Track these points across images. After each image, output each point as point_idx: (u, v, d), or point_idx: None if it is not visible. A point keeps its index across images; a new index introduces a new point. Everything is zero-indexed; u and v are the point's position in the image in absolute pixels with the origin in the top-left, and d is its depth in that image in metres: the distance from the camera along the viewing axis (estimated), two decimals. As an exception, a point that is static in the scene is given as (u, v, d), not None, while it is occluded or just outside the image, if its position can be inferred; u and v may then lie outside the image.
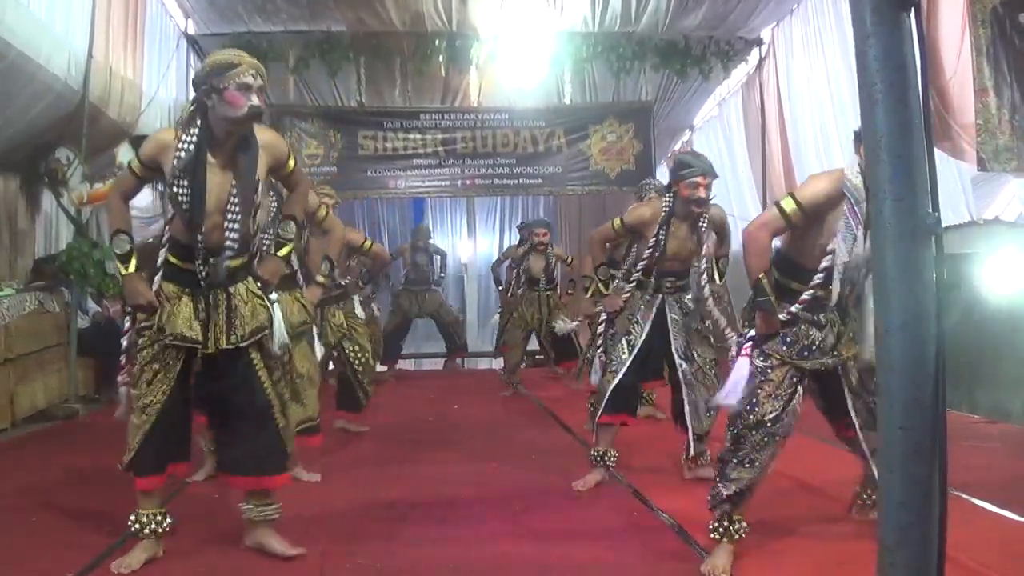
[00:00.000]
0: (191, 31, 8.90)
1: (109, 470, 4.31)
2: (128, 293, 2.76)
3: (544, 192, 10.53)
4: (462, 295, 12.44)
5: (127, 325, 2.94)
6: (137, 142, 6.65)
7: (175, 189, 2.74)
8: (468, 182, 9.87)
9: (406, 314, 8.91)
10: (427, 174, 9.76)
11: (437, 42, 9.24)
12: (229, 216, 2.78)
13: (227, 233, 2.79)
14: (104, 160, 6.50)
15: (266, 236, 3.17)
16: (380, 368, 7.82)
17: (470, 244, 12.45)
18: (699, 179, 3.91)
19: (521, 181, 9.90)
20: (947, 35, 5.58)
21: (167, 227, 2.86)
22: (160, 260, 2.82)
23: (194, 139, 2.73)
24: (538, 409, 6.64)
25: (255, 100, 2.71)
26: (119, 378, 2.96)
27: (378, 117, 9.70)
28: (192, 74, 8.92)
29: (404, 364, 10.31)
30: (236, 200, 2.77)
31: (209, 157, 2.76)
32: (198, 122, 2.74)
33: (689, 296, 4.15)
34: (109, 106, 6.70)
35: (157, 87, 7.74)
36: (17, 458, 4.79)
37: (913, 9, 1.35)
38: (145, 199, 7.64)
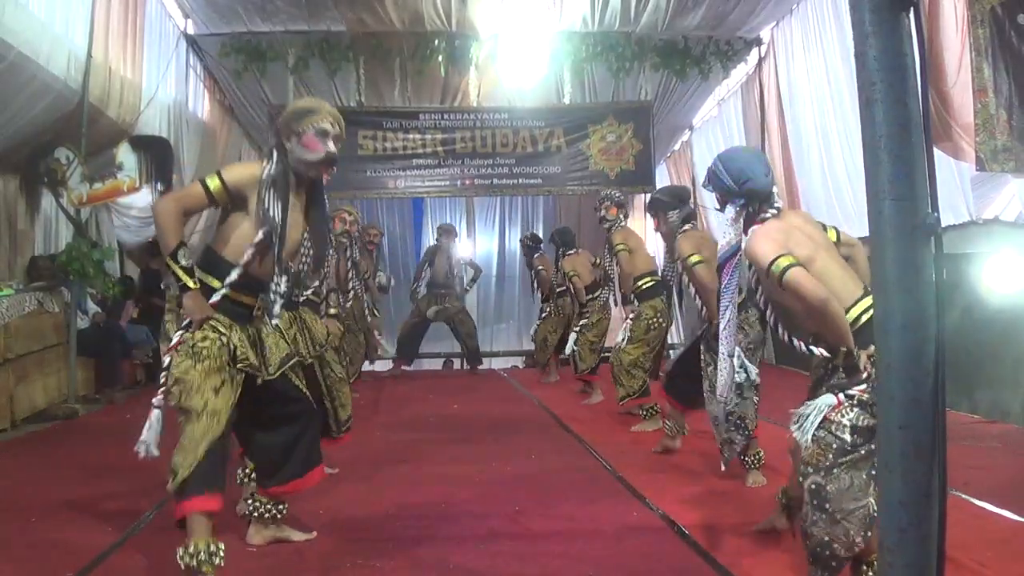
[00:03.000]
0: (190, 31, 8.90)
1: (109, 470, 4.33)
2: (192, 308, 2.65)
3: (543, 192, 10.53)
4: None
5: (174, 339, 2.67)
6: (137, 142, 6.69)
7: (268, 219, 2.70)
8: (467, 182, 9.87)
9: (425, 316, 8.92)
10: (427, 174, 9.76)
11: (437, 42, 9.24)
12: (303, 259, 2.91)
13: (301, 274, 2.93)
14: (103, 160, 6.49)
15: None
16: (360, 365, 7.72)
17: (470, 244, 12.46)
18: None
19: (520, 181, 9.90)
20: (947, 35, 5.58)
21: (246, 264, 2.73)
22: (218, 296, 2.71)
23: (274, 174, 2.74)
24: (538, 409, 6.64)
25: (332, 146, 2.81)
26: (155, 400, 2.67)
27: (377, 117, 9.70)
28: (191, 73, 8.97)
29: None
30: (308, 244, 2.90)
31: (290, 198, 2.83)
32: (276, 158, 2.78)
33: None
34: (108, 106, 6.71)
35: (156, 87, 7.74)
36: (17, 458, 4.79)
37: (912, 9, 1.35)
38: (144, 199, 7.65)
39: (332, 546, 3.15)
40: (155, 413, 2.67)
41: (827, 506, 2.29)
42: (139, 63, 7.37)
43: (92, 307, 7.02)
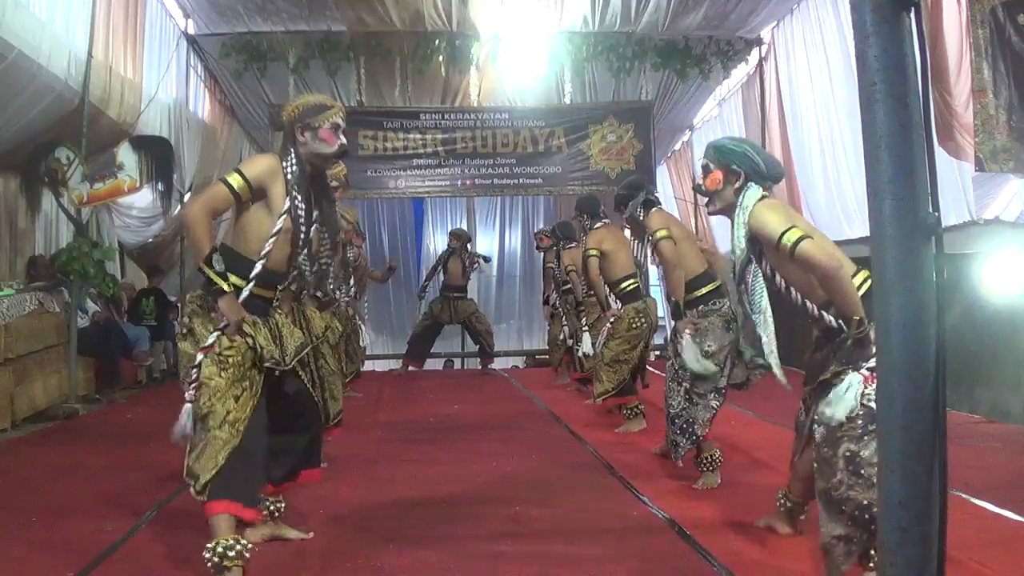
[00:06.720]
0: (191, 31, 8.92)
1: (109, 470, 4.33)
2: (228, 311, 2.66)
3: (544, 192, 10.55)
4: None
5: (210, 342, 2.67)
6: (137, 142, 6.69)
7: (297, 214, 2.77)
8: (468, 182, 9.88)
9: (437, 319, 8.92)
10: (427, 174, 9.77)
11: (437, 42, 9.25)
12: (323, 247, 3.04)
13: (321, 262, 3.05)
14: (104, 160, 6.50)
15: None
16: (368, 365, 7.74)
17: (469, 244, 12.45)
18: None
19: (521, 181, 9.91)
20: (949, 35, 5.58)
21: (264, 259, 2.75)
22: (246, 292, 2.74)
23: (296, 168, 2.81)
24: (538, 409, 6.64)
25: (343, 139, 2.90)
26: (187, 394, 2.68)
27: (378, 117, 9.71)
28: (191, 73, 8.97)
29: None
30: (324, 231, 3.00)
31: None
32: (292, 152, 2.83)
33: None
34: (109, 106, 6.71)
35: (157, 87, 7.75)
36: (17, 458, 4.79)
37: (913, 9, 1.35)
38: (145, 199, 7.66)
39: (332, 545, 3.14)
40: (188, 407, 2.67)
41: (862, 471, 2.34)
42: (139, 63, 7.38)
43: (92, 307, 7.02)
